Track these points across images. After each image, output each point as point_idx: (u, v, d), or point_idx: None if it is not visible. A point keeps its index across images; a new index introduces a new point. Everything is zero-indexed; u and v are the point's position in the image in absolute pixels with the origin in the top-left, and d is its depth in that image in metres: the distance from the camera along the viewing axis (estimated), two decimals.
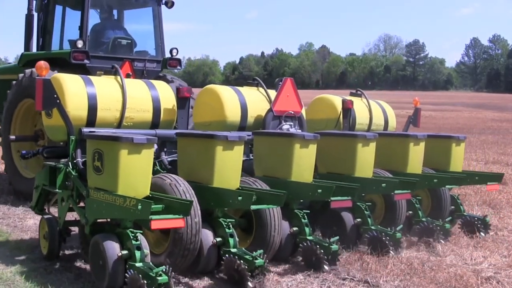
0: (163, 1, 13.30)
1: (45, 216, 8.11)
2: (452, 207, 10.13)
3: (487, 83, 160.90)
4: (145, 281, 6.09)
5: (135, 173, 6.65)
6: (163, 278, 6.12)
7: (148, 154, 6.74)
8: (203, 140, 7.40)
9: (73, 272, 7.60)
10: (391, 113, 11.70)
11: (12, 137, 11.48)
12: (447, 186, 9.78)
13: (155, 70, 13.04)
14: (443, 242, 9.05)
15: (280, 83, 9.71)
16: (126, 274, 6.41)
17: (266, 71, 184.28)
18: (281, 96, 9.55)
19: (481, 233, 9.72)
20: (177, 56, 13.33)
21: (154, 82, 9.13)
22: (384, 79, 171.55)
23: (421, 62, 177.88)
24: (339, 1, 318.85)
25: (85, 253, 7.36)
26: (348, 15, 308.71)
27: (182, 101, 9.07)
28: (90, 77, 8.45)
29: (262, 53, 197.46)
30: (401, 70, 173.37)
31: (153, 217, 6.22)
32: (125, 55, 12.55)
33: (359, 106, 10.98)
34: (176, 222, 6.40)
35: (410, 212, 9.45)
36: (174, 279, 6.62)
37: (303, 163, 8.10)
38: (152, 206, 6.23)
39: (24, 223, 10.47)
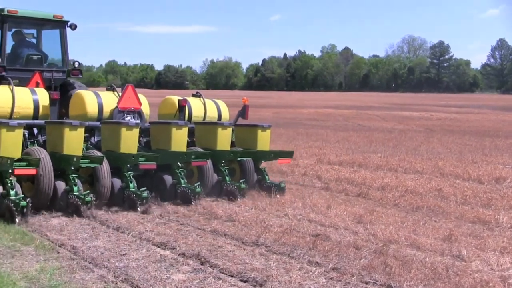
0: (68, 25, 16.49)
1: None
2: (259, 176, 13.89)
3: None
4: (13, 206, 10.23)
5: (10, 143, 10.94)
6: (23, 203, 10.32)
7: (19, 132, 11.18)
8: (57, 126, 11.73)
9: (96, 272, 7.66)
10: (225, 109, 15.38)
11: None
12: (246, 159, 13.58)
13: (61, 78, 16.23)
14: (239, 199, 12.68)
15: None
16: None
17: (289, 73, 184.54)
18: (124, 97, 13.46)
19: (277, 195, 13.17)
20: (78, 67, 16.66)
21: (36, 89, 13.41)
22: (407, 81, 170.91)
23: (445, 64, 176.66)
24: (362, 3, 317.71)
25: None
26: (371, 17, 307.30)
27: (53, 101, 13.14)
28: None
29: (285, 55, 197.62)
30: (425, 72, 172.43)
31: (16, 167, 10.64)
32: (36, 68, 15.74)
33: (196, 104, 14.87)
34: (30, 171, 10.84)
35: (220, 177, 13.16)
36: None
37: (129, 141, 12.15)
38: (18, 163, 10.75)
39: (48, 222, 10.61)
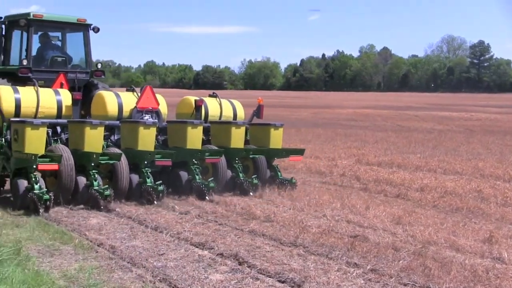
0: (91, 28, 17.29)
1: None
2: (272, 172, 14.67)
3: None
4: (37, 199, 11.10)
5: (35, 141, 11.86)
6: (46, 196, 11.19)
7: (42, 130, 12.08)
8: (78, 124, 12.71)
9: (134, 272, 7.71)
10: (240, 108, 16.12)
11: None
12: (258, 156, 14.40)
13: (84, 79, 17.10)
14: (252, 194, 13.44)
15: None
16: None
17: (327, 73, 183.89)
18: (142, 97, 14.18)
19: (288, 190, 13.95)
20: (101, 68, 17.81)
21: (59, 90, 14.22)
22: (447, 81, 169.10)
23: (485, 64, 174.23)
24: (400, 2, 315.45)
25: (12, 189, 12.17)
26: (410, 16, 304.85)
27: (75, 102, 13.98)
28: (18, 87, 13.71)
29: (323, 55, 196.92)
30: (465, 72, 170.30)
31: (39, 163, 11.53)
32: (60, 69, 16.53)
33: (212, 103, 15.65)
34: (53, 166, 11.65)
35: (234, 173, 13.93)
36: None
37: (146, 139, 12.94)
38: (42, 159, 11.63)
39: (87, 222, 10.72)
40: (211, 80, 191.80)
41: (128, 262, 8.21)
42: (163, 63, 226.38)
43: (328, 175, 16.52)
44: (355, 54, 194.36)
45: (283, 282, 7.48)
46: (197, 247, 9.08)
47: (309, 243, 9.23)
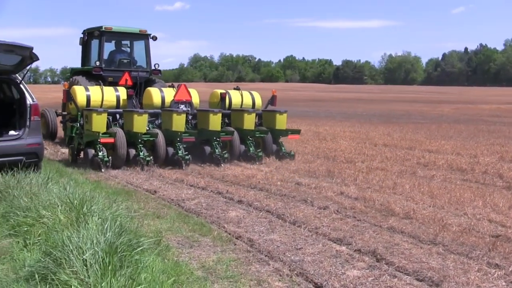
0: (150, 36, 22.87)
1: (70, 146, 17.68)
2: (278, 147, 18.59)
3: None
4: (100, 161, 15.82)
5: (99, 123, 16.29)
6: (106, 159, 15.94)
7: (104, 116, 16.53)
8: (130, 113, 16.83)
9: (272, 265, 7.77)
10: (258, 98, 20.60)
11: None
12: (264, 135, 18.41)
13: (145, 76, 22.56)
14: (257, 163, 17.33)
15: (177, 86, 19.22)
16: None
17: (470, 67, 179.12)
18: (178, 92, 18.49)
19: (288, 159, 17.97)
20: (158, 68, 23.07)
21: (118, 88, 18.90)
22: None
23: None
24: None
25: (84, 156, 16.81)
26: None
27: (130, 96, 18.51)
28: (89, 87, 18.67)
29: (466, 49, 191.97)
30: None
31: (101, 137, 15.95)
32: (126, 68, 21.88)
33: (235, 95, 20.26)
34: (110, 139, 15.99)
35: (246, 148, 17.92)
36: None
37: (178, 123, 16.93)
38: (103, 135, 16.05)
39: (226, 214, 10.90)
40: (351, 74, 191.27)
41: (265, 256, 8.32)
42: (303, 58, 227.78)
43: (469, 172, 16.04)
44: (500, 47, 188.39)
45: (421, 280, 7.38)
46: (334, 242, 9.07)
47: (449, 241, 9.04)
